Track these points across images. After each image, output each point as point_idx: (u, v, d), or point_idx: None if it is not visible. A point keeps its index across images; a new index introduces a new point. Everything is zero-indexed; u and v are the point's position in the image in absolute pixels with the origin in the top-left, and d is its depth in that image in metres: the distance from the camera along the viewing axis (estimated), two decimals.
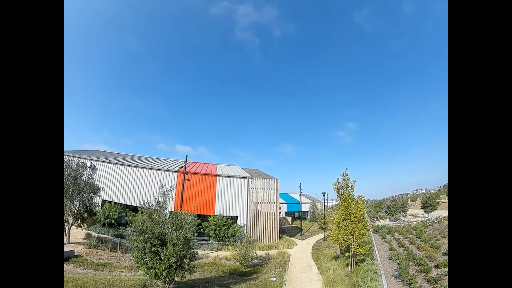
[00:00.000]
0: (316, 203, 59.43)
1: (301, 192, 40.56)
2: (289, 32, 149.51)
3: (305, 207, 58.66)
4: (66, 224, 19.37)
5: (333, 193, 24.79)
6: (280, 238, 31.50)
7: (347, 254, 17.06)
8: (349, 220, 16.71)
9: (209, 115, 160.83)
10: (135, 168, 29.14)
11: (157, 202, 12.84)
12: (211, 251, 24.10)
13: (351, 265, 16.77)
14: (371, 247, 22.70)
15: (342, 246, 17.97)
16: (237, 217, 29.70)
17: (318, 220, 43.74)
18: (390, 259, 18.16)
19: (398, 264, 16.04)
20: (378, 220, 46.71)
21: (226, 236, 26.75)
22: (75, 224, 20.30)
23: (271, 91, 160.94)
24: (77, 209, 19.86)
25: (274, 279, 16.61)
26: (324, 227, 32.20)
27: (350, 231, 16.61)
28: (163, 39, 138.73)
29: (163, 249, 11.08)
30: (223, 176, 30.94)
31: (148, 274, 11.51)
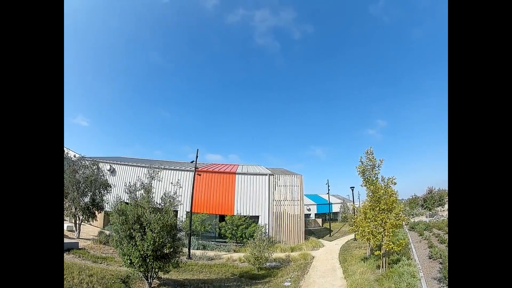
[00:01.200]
0: (348, 203, 55.48)
1: (328, 190, 37.35)
2: (308, 32, 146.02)
3: (336, 208, 55.13)
4: (76, 219, 20.09)
5: (364, 192, 22.15)
6: (306, 239, 28.61)
7: (377, 253, 13.93)
8: (378, 208, 13.65)
9: (236, 122, 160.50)
10: (150, 170, 27.62)
11: (143, 184, 12.12)
12: (227, 253, 21.85)
13: (382, 266, 13.68)
14: (407, 243, 19.36)
15: (371, 243, 14.89)
16: (258, 217, 27.27)
17: (349, 221, 40.65)
18: (430, 258, 14.79)
19: (440, 263, 12.98)
20: (414, 217, 41.82)
21: (244, 236, 24.52)
22: (84, 220, 20.64)
23: (296, 94, 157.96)
24: (85, 204, 20.33)
25: (288, 284, 14.15)
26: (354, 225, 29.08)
27: (379, 222, 13.55)
28: (184, 52, 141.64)
29: (139, 233, 10.25)
30: (243, 174, 28.73)
31: (123, 261, 10.70)
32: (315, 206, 54.09)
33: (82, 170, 21.08)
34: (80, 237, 19.87)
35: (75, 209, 19.67)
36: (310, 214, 50.96)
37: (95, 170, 21.80)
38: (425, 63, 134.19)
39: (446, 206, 43.40)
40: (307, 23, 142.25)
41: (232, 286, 12.89)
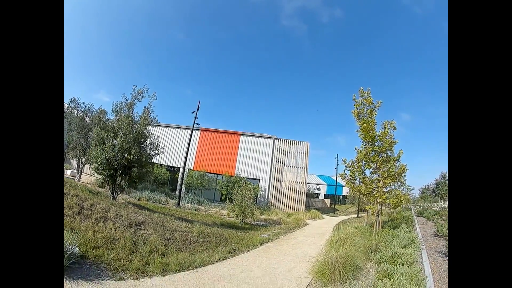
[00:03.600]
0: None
1: (337, 164, 34.98)
2: (336, 17, 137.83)
3: (345, 191, 52.57)
4: (79, 163, 20.12)
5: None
6: (306, 210, 26.76)
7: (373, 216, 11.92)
8: (371, 149, 11.47)
9: (257, 105, 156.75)
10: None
11: (126, 100, 12.34)
12: (219, 210, 20.38)
13: (376, 226, 11.56)
14: (411, 217, 17.15)
15: (361, 195, 12.77)
16: (258, 180, 25.60)
17: (356, 202, 38.55)
18: (435, 236, 12.55)
19: (447, 241, 10.67)
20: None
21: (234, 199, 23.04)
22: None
23: (321, 81, 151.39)
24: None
25: (266, 236, 12.44)
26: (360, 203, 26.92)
27: (373, 166, 11.55)
28: (206, 29, 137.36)
29: (110, 139, 10.85)
30: (247, 135, 26.98)
31: (93, 166, 11.27)
32: (325, 186, 51.78)
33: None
34: (80, 181, 19.45)
35: (79, 151, 19.08)
36: (319, 194, 48.80)
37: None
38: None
39: None
40: (335, 7, 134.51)
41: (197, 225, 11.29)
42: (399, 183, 19.36)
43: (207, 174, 25.05)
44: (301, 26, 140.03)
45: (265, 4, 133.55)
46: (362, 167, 12.19)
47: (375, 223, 11.87)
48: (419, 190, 49.09)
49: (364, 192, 11.83)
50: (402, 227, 12.44)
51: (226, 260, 7.68)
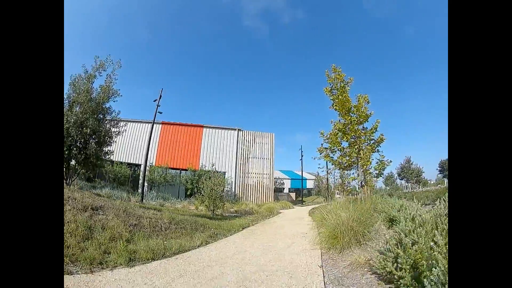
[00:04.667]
0: (322, 177, 53.12)
1: (302, 156, 34.40)
2: (298, 18, 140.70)
3: (310, 184, 52.38)
4: None
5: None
6: (275, 200, 25.60)
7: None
8: (349, 119, 10.70)
9: (219, 103, 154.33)
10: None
11: (86, 71, 10.95)
12: (182, 203, 18.45)
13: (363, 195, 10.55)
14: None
15: (341, 166, 11.74)
16: (224, 173, 23.92)
17: (322, 192, 38.44)
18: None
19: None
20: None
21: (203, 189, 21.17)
22: None
23: (282, 81, 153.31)
24: None
25: (244, 222, 10.99)
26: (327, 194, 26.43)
27: (351, 136, 10.67)
28: (170, 28, 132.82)
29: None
30: (210, 127, 25.20)
31: None
32: (289, 180, 51.17)
33: None
34: None
35: None
36: (283, 188, 47.97)
37: None
38: (416, 61, 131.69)
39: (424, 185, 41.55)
40: (298, 9, 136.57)
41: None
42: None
43: (170, 170, 22.92)
44: (263, 27, 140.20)
45: (228, 4, 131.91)
46: (339, 139, 11.28)
47: (357, 196, 10.94)
48: (383, 178, 50.35)
49: (347, 163, 10.90)
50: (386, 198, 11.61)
51: (210, 244, 6.12)
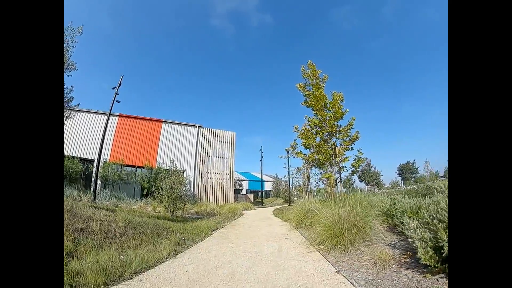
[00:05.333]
0: (281, 179, 52.83)
1: (262, 157, 33.52)
2: (266, 22, 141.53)
3: (268, 186, 51.79)
4: None
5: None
6: (236, 201, 24.36)
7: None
8: (326, 115, 10.09)
9: (182, 97, 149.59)
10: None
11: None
12: (138, 203, 16.47)
13: (333, 199, 9.81)
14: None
15: (319, 157, 10.94)
16: (183, 171, 22.16)
17: (282, 194, 38.05)
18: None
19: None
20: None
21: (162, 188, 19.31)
22: None
23: (245, 84, 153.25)
24: None
25: (210, 224, 9.66)
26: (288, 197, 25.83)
27: (326, 131, 10.08)
28: (133, 19, 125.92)
29: None
30: (169, 122, 23.24)
31: None
32: (247, 182, 50.13)
33: None
34: None
35: None
36: (241, 190, 46.79)
37: None
38: (377, 73, 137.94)
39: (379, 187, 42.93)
40: (266, 13, 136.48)
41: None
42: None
43: (126, 167, 20.61)
44: (230, 27, 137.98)
45: (197, 1, 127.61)
46: (314, 134, 10.50)
47: (330, 194, 10.19)
48: (342, 181, 51.43)
49: (322, 160, 10.10)
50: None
51: (181, 254, 4.77)
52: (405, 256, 3.80)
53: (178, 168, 19.49)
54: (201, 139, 23.60)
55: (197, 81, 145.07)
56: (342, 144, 10.24)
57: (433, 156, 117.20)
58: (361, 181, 42.89)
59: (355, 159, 9.95)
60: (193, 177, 22.23)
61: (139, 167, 21.07)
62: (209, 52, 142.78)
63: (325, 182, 16.99)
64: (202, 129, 23.90)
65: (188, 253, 4.83)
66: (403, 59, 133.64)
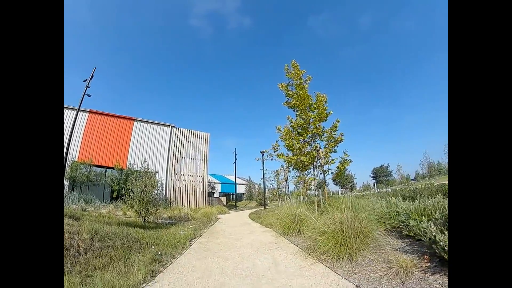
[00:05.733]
0: (255, 183, 52.08)
1: (236, 159, 32.66)
2: (244, 25, 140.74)
3: (241, 189, 50.93)
4: None
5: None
6: (210, 204, 23.38)
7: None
8: (311, 116, 9.74)
9: (155, 95, 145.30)
10: None
11: None
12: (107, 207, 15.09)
13: (317, 205, 9.29)
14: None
15: (302, 159, 10.35)
16: (156, 173, 20.92)
17: (256, 197, 37.42)
18: None
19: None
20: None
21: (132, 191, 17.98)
22: None
23: (220, 86, 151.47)
24: None
25: (185, 232, 8.80)
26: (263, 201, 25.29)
27: (312, 132, 9.76)
28: (111, 13, 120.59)
29: None
30: (142, 121, 21.88)
31: None
32: (220, 185, 49.00)
33: None
34: None
35: None
36: (214, 193, 45.59)
37: None
38: (350, 80, 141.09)
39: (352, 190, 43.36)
40: (246, 16, 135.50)
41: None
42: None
43: (95, 167, 18.96)
44: (208, 29, 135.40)
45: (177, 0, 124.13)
46: (297, 135, 9.98)
47: (315, 198, 9.71)
48: (316, 186, 51.53)
49: (306, 162, 9.58)
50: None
51: (159, 277, 3.89)
52: (424, 261, 3.50)
53: (150, 170, 18.30)
54: (174, 139, 22.51)
55: (173, 81, 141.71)
56: (326, 146, 9.79)
57: (406, 159, 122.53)
58: (335, 184, 43.05)
59: (340, 161, 9.47)
60: (165, 179, 21.08)
61: (109, 167, 19.56)
62: (186, 52, 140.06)
63: (301, 185, 16.53)
64: (175, 129, 22.78)
65: (168, 274, 3.99)
66: (376, 66, 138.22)
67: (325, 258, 4.34)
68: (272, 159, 14.72)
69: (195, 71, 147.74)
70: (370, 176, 52.63)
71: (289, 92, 10.50)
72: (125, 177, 18.03)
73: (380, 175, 46.80)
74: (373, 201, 7.26)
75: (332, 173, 9.68)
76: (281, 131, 9.93)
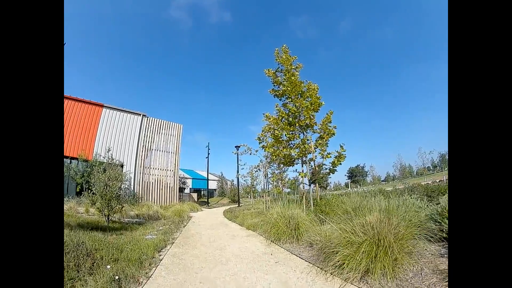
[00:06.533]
0: (226, 180, 50.33)
1: (208, 153, 30.93)
2: (224, 20, 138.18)
3: (213, 185, 49.04)
4: None
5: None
6: (181, 201, 21.60)
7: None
8: (305, 105, 8.38)
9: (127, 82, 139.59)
10: None
11: None
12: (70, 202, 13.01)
13: (308, 203, 8.10)
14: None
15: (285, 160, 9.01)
16: (122, 165, 18.83)
17: (228, 194, 35.91)
18: None
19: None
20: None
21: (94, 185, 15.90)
22: None
23: (194, 80, 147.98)
24: None
25: (153, 236, 7.20)
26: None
27: (304, 123, 8.51)
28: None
29: None
30: (111, 108, 19.56)
31: None
32: (191, 180, 46.84)
33: None
34: None
35: None
36: (185, 188, 43.39)
37: None
38: (328, 82, 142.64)
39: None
40: (227, 11, 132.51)
41: None
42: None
43: None
44: (188, 20, 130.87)
45: None
46: (288, 125, 8.66)
47: (304, 196, 8.50)
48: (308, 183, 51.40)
49: (296, 156, 8.32)
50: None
51: None
52: None
53: (114, 160, 16.27)
54: (144, 129, 20.44)
55: (145, 70, 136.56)
56: (318, 139, 8.56)
57: (379, 160, 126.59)
58: (311, 183, 42.49)
59: (336, 156, 8.22)
60: (133, 173, 19.03)
61: (73, 158, 17.19)
62: (164, 43, 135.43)
63: (278, 182, 15.26)
64: (146, 118, 20.74)
65: None
66: (352, 71, 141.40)
67: (355, 277, 3.14)
68: (250, 154, 13.38)
69: (170, 61, 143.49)
70: (345, 175, 52.89)
71: (277, 79, 9.17)
72: (90, 169, 15.86)
73: (356, 175, 46.99)
74: (407, 200, 6.01)
75: (326, 168, 8.42)
76: (270, 118, 8.53)
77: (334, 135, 8.59)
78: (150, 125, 20.82)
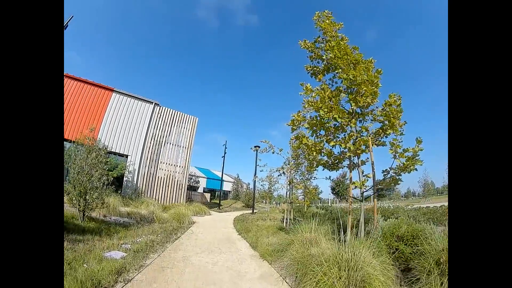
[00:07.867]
0: (242, 183, 47.28)
1: (225, 152, 28.09)
2: (251, 23, 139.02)
3: (227, 186, 46.16)
4: None
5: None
6: (188, 202, 18.85)
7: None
8: (357, 75, 5.33)
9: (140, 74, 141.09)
10: None
11: None
12: None
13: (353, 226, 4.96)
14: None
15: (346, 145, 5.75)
16: (127, 156, 16.34)
17: (243, 197, 32.97)
18: None
19: None
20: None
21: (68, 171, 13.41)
22: None
23: (217, 79, 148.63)
24: None
25: (119, 255, 4.29)
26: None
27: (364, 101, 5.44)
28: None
29: None
30: (121, 93, 17.21)
31: None
32: (205, 179, 44.15)
33: None
34: None
35: None
36: (198, 187, 40.76)
37: None
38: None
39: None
40: (254, 14, 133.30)
41: None
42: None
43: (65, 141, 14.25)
44: (214, 21, 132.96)
45: None
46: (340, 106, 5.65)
47: (349, 214, 5.42)
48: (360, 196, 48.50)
49: (353, 151, 5.26)
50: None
51: None
52: None
53: (120, 151, 13.77)
54: (155, 119, 17.93)
55: (166, 63, 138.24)
56: (377, 130, 5.57)
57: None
58: (334, 193, 38.46)
59: (409, 157, 5.03)
60: (138, 165, 16.46)
61: (73, 142, 14.84)
62: (186, 38, 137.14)
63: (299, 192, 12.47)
64: (158, 107, 18.27)
65: None
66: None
67: None
68: (273, 152, 10.39)
69: (194, 59, 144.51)
70: (329, 186, 48.42)
71: (317, 51, 6.16)
72: (87, 155, 13.37)
73: (383, 188, 43.19)
74: None
75: (394, 173, 5.25)
76: (314, 91, 5.54)
77: (402, 125, 5.47)
78: (162, 115, 18.30)
